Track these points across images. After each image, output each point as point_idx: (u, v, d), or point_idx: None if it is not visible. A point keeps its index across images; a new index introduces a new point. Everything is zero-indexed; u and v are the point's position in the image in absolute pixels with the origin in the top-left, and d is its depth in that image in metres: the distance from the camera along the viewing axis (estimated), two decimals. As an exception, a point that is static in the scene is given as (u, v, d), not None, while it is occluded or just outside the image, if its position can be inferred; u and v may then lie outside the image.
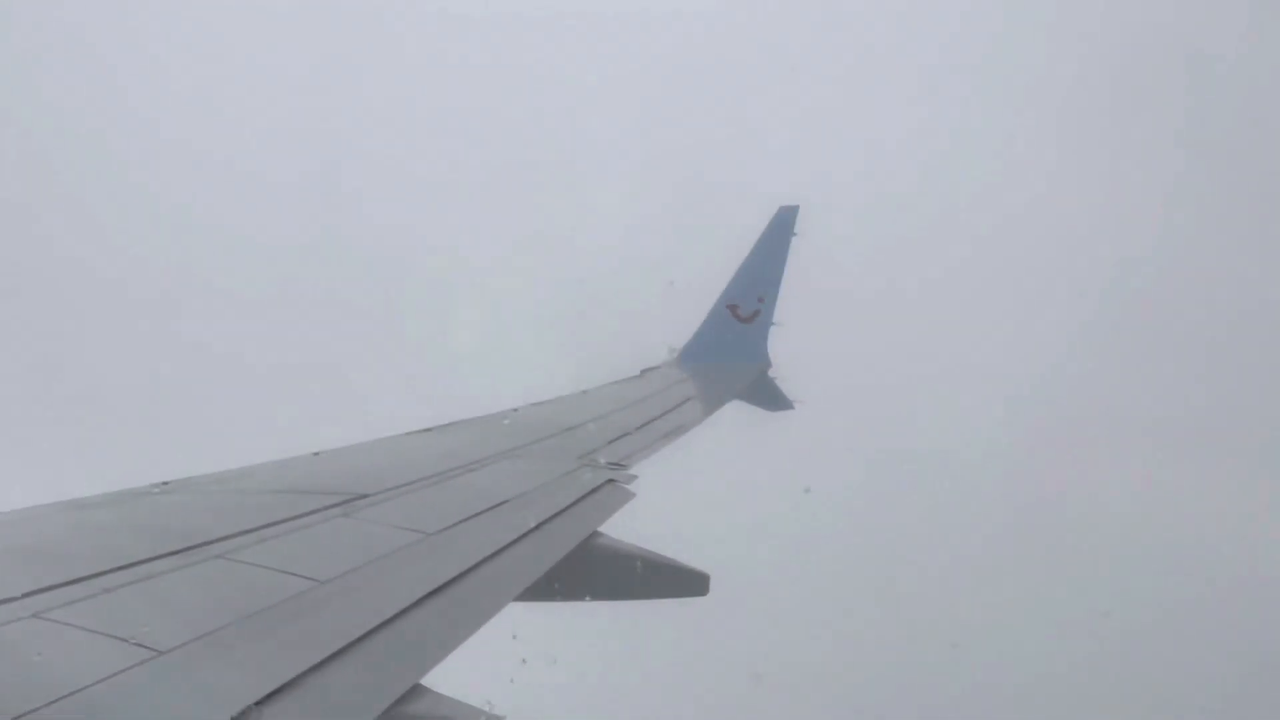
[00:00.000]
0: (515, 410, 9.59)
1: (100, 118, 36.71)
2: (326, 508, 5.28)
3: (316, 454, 6.88)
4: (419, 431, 8.20)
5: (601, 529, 6.06)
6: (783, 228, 15.51)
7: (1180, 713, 21.33)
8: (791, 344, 15.42)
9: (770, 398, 14.83)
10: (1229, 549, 22.32)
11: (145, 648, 3.25)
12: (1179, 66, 30.59)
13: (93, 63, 37.43)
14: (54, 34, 36.92)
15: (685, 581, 6.24)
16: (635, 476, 7.26)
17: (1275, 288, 26.91)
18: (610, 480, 6.93)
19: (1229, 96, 30.18)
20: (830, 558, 22.82)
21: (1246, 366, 26.05)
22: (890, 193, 30.69)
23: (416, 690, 3.60)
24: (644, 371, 13.86)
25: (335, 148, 36.44)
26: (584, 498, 6.42)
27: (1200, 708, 21.12)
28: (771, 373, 15.17)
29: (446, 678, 3.75)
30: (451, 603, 4.31)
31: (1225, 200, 28.69)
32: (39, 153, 34.83)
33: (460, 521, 5.40)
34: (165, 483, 5.77)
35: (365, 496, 5.60)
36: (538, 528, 5.55)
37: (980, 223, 30.94)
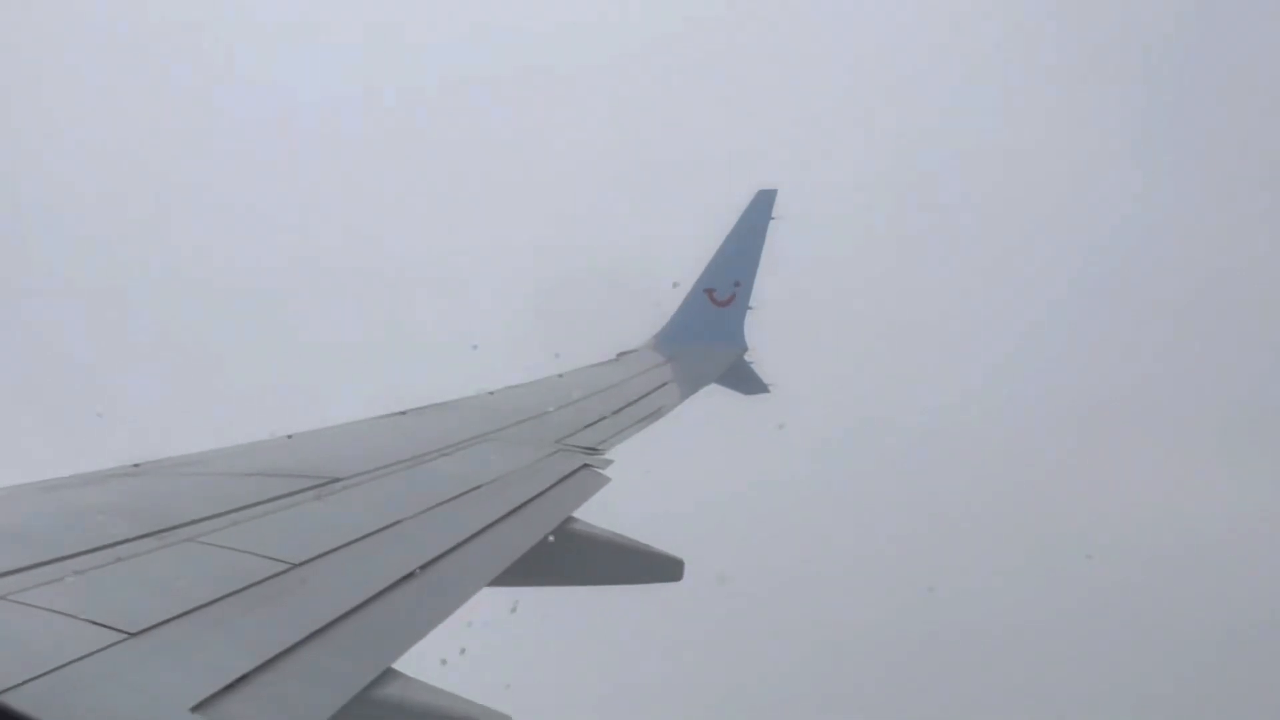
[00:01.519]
0: (491, 393, 9.55)
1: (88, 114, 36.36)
2: (299, 491, 5.26)
3: (290, 437, 6.85)
4: (393, 414, 8.16)
5: (576, 514, 6.07)
6: (761, 211, 15.50)
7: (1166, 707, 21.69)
8: (768, 328, 15.44)
9: (746, 381, 14.84)
10: (1211, 541, 22.71)
11: (114, 630, 3.23)
12: (1172, 60, 30.84)
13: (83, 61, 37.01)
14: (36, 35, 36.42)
15: (659, 567, 6.25)
16: (610, 461, 7.27)
17: (1274, 285, 27.24)
18: (585, 465, 6.93)
19: (1228, 94, 30.43)
20: (806, 542, 22.96)
21: (1234, 363, 26.38)
22: (869, 178, 30.78)
23: (389, 674, 3.60)
24: (620, 355, 13.83)
25: (316, 139, 36.18)
26: (559, 482, 6.42)
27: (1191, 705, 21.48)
28: (748, 356, 15.19)
29: (419, 662, 3.75)
30: (425, 587, 4.31)
31: (1212, 196, 29.00)
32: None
33: (434, 506, 5.39)
34: (137, 464, 5.72)
35: (339, 480, 5.58)
36: (512, 512, 5.55)
37: (960, 208, 31.13)
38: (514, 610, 5.53)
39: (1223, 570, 22.55)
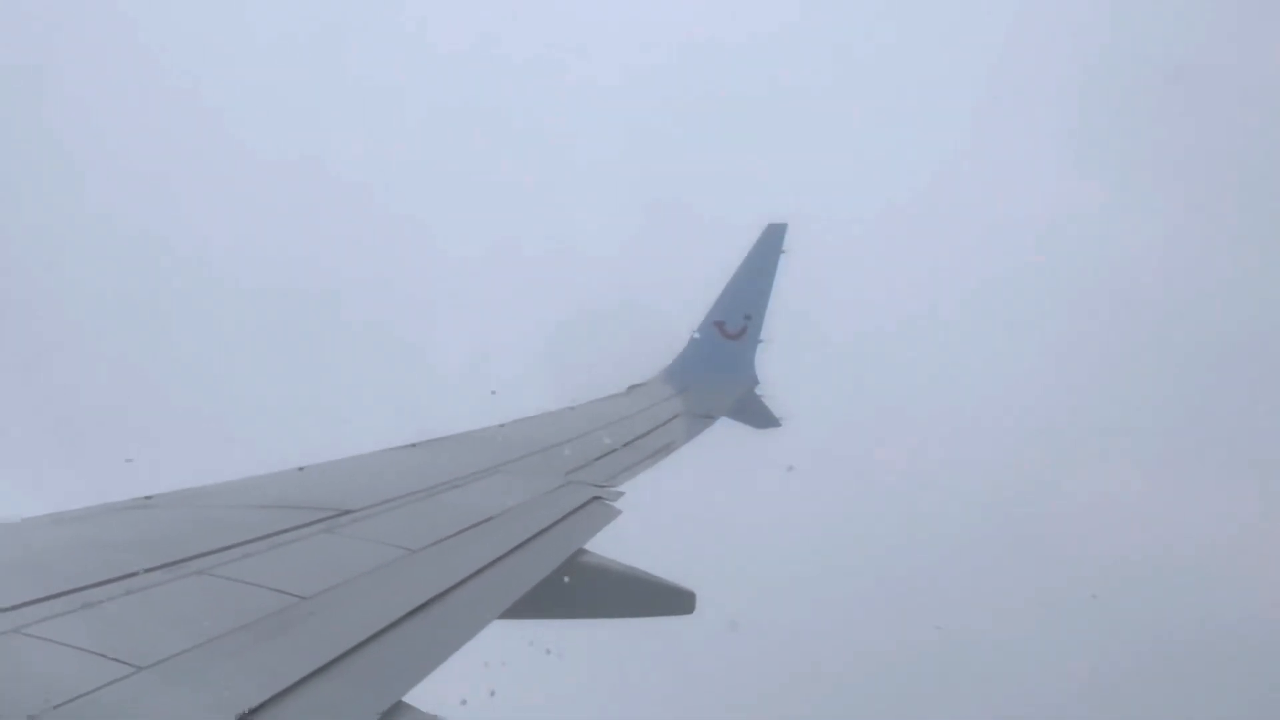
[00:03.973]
0: (502, 426, 9.56)
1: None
2: (310, 523, 5.26)
3: (301, 469, 6.85)
4: (404, 447, 8.17)
5: (587, 546, 6.05)
6: (771, 245, 15.55)
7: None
8: (780, 362, 15.43)
9: (757, 415, 14.82)
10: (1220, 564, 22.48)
11: (124, 663, 3.22)
12: (1177, 76, 30.74)
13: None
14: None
15: (671, 600, 6.22)
16: (622, 493, 7.25)
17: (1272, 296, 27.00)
18: (596, 497, 6.92)
19: (1227, 105, 30.32)
20: (818, 576, 22.79)
21: (1236, 383, 26.16)
22: (880, 211, 30.74)
23: (399, 708, 3.58)
24: (631, 388, 13.84)
25: (320, 155, 36.25)
26: (569, 515, 6.41)
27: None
28: (759, 390, 15.19)
29: (429, 695, 3.73)
30: (435, 620, 4.30)
31: (1224, 217, 28.83)
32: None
33: (445, 538, 5.38)
34: (148, 497, 5.73)
35: (349, 512, 5.58)
36: (522, 545, 5.53)
37: (972, 241, 31.01)
38: (549, 652, 5.53)
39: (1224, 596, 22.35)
